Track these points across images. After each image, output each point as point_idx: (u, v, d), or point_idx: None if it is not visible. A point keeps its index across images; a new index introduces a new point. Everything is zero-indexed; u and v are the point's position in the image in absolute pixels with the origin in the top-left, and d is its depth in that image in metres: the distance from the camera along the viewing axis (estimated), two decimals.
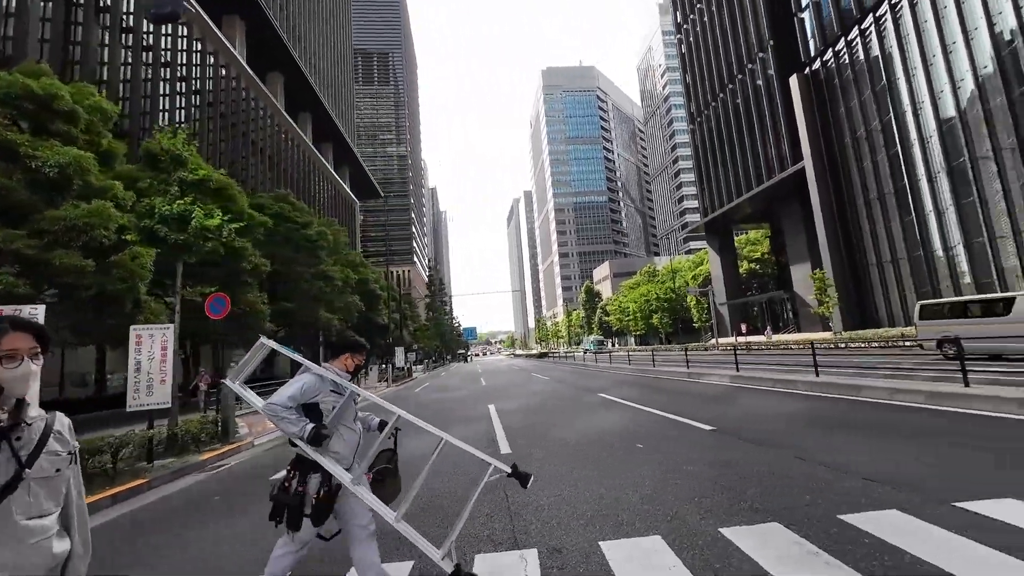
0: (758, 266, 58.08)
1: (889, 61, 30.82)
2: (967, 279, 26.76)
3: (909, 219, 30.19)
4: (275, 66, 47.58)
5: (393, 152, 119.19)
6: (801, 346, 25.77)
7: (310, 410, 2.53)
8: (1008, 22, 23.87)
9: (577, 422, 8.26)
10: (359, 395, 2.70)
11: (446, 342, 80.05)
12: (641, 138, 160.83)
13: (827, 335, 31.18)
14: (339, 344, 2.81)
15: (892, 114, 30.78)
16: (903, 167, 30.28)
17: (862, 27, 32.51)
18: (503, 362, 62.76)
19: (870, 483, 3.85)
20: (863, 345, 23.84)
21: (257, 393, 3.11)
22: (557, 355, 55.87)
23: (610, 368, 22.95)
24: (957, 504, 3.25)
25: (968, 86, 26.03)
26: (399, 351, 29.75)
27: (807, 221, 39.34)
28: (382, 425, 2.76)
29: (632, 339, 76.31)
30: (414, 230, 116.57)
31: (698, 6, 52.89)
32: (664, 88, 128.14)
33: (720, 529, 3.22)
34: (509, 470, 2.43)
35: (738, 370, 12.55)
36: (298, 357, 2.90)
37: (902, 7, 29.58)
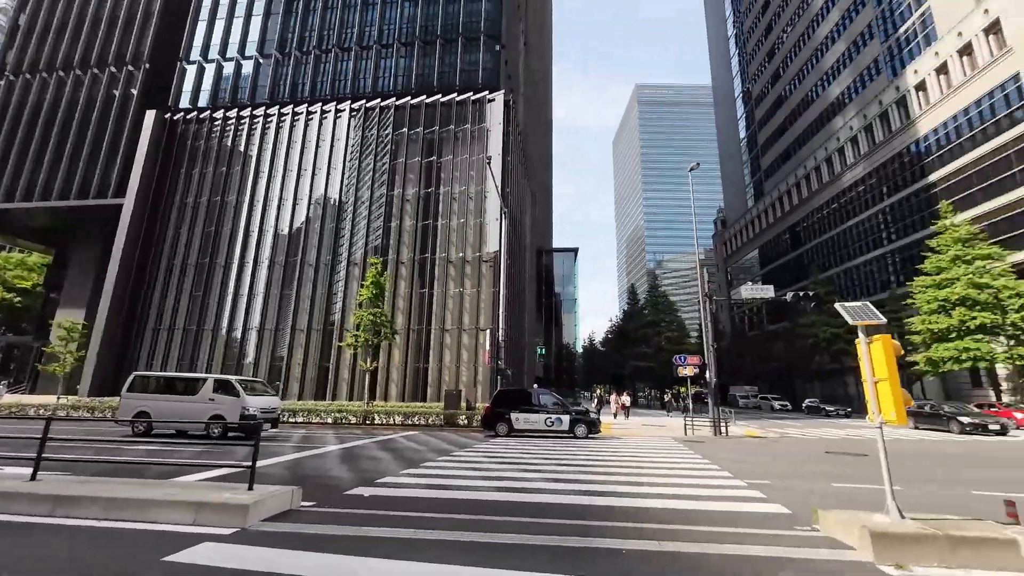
0: (20, 298, 43.58)
1: (233, 154, 34.27)
2: (246, 360, 30.14)
3: (210, 298, 31.58)
4: None
5: None
6: (17, 410, 18.68)
7: None
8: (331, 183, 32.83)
9: None
10: None
11: None
12: None
13: (51, 399, 25.33)
14: None
15: (224, 198, 33.37)
16: (220, 247, 32.46)
17: (227, 114, 35.16)
18: None
19: None
20: (88, 414, 20.48)
21: None
22: None
23: None
24: None
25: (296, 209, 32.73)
26: None
27: (102, 264, 33.86)
28: None
29: None
30: None
31: None
32: None
33: None
34: None
35: None
36: None
37: (243, 128, 34.67)
